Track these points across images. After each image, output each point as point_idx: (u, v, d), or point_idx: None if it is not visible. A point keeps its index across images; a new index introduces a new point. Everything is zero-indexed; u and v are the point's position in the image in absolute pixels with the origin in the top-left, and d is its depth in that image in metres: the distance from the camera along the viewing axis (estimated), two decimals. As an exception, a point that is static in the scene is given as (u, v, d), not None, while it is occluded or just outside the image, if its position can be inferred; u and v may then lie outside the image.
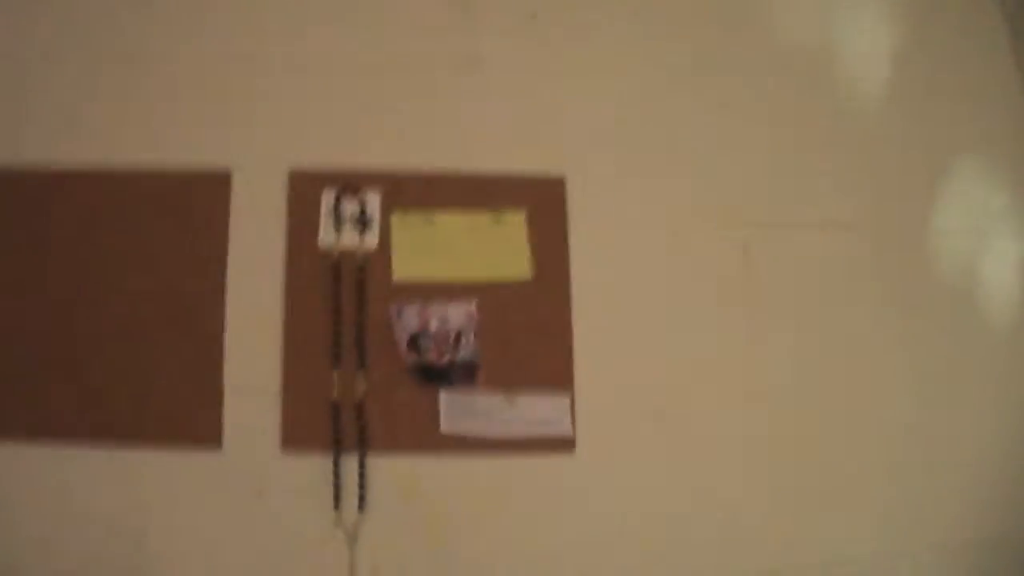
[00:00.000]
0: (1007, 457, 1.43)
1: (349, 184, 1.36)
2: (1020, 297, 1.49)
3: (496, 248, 1.36)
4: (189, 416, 1.32)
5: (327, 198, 1.36)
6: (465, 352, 1.33)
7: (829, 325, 1.42)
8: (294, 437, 1.31)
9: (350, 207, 1.36)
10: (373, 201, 1.36)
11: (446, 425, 1.32)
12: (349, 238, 1.35)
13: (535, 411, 1.33)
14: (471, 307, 1.34)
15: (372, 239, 1.35)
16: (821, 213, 1.45)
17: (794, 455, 1.38)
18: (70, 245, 1.35)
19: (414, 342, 1.33)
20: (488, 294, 1.35)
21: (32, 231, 1.36)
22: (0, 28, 1.41)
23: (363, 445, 1.30)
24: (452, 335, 1.33)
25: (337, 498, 1.29)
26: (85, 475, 1.30)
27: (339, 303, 1.33)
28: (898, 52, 1.55)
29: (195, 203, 1.36)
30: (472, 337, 1.34)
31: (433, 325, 1.33)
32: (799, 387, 1.40)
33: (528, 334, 1.35)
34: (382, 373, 1.32)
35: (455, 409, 1.32)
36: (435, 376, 1.33)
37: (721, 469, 1.37)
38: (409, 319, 1.34)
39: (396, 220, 1.36)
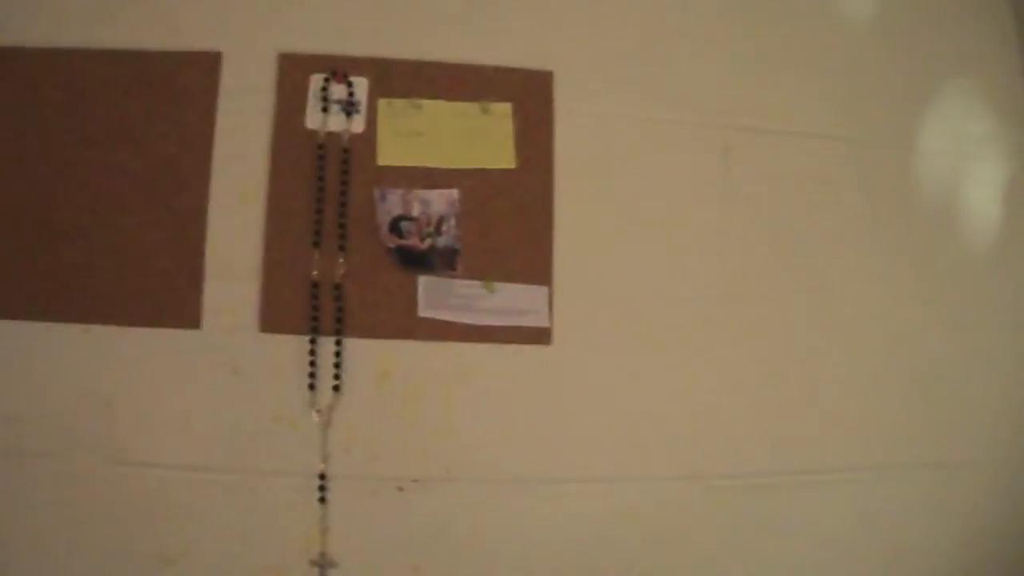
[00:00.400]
0: (981, 376, 1.44)
1: (338, 68, 1.36)
2: (1000, 220, 1.49)
3: (481, 138, 1.36)
4: (169, 295, 1.32)
5: (315, 82, 1.36)
6: (446, 238, 1.34)
7: (806, 232, 1.42)
8: (272, 318, 1.31)
9: (337, 91, 1.36)
10: (361, 86, 1.36)
11: (424, 310, 1.32)
12: (336, 122, 1.35)
13: (513, 300, 1.33)
14: (454, 194, 1.35)
15: (358, 123, 1.35)
16: (805, 123, 1.45)
17: (768, 361, 1.39)
18: (54, 123, 1.35)
19: (396, 226, 1.33)
20: (472, 182, 1.35)
21: (15, 109, 1.36)
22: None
23: (340, 327, 1.31)
24: (434, 220, 1.34)
25: (312, 379, 1.30)
26: (60, 350, 1.31)
27: (323, 185, 1.33)
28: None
29: (184, 83, 1.36)
30: (454, 224, 1.34)
31: (415, 210, 1.34)
32: (773, 291, 1.40)
33: (510, 224, 1.35)
34: (363, 256, 1.33)
35: (434, 294, 1.32)
36: (415, 261, 1.33)
37: (695, 369, 1.38)
38: (392, 203, 1.34)
39: (383, 106, 1.36)
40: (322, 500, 1.29)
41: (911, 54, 1.50)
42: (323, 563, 1.29)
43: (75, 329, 1.31)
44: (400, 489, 1.31)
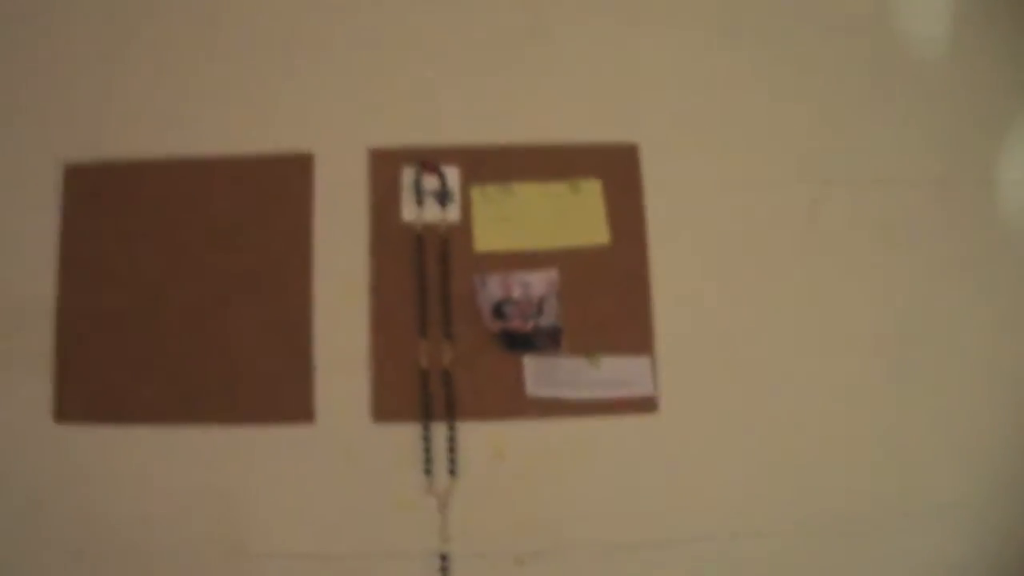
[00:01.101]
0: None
1: (428, 160, 1.40)
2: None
3: (574, 216, 1.39)
4: (281, 393, 1.37)
5: (408, 174, 1.40)
6: (548, 318, 1.36)
7: (897, 277, 1.43)
8: (384, 407, 1.35)
9: (430, 182, 1.39)
10: (452, 175, 1.40)
11: (532, 389, 1.35)
12: (431, 212, 1.39)
13: (618, 372, 1.36)
14: (552, 274, 1.38)
15: (453, 212, 1.39)
16: (887, 170, 1.46)
17: (872, 410, 1.40)
18: (158, 232, 1.41)
19: (498, 310, 1.36)
20: (568, 261, 1.38)
21: (121, 221, 1.41)
22: (81, 28, 1.46)
23: (452, 412, 1.35)
24: (535, 302, 1.37)
25: (428, 464, 1.34)
26: (182, 451, 1.36)
27: (424, 275, 1.37)
28: (955, 4, 1.55)
29: (279, 186, 1.41)
30: (554, 303, 1.37)
31: (516, 292, 1.37)
32: (867, 341, 1.41)
33: (609, 298, 1.38)
34: (468, 341, 1.36)
35: (540, 373, 1.35)
36: (520, 342, 1.36)
37: (799, 424, 1.39)
38: (493, 288, 1.37)
39: (476, 193, 1.39)
40: (444, 579, 1.33)
41: (985, 86, 1.51)
42: (450, 640, 1.32)
43: (194, 431, 1.36)
44: (519, 563, 1.34)
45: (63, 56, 1.46)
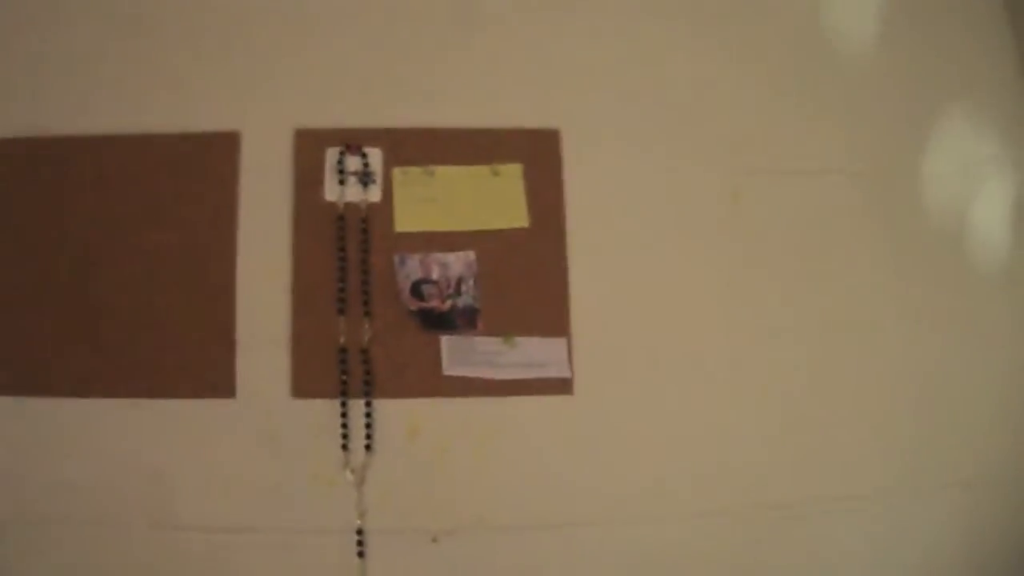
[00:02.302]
0: (998, 397, 1.46)
1: (351, 141, 1.42)
2: (1010, 239, 1.52)
3: (494, 199, 1.41)
4: (204, 368, 1.38)
5: (331, 155, 1.41)
6: (466, 298, 1.38)
7: (819, 268, 1.46)
8: (304, 384, 1.37)
9: (353, 163, 1.41)
10: (375, 157, 1.41)
11: (448, 368, 1.37)
12: (353, 192, 1.41)
13: (534, 354, 1.38)
14: (471, 255, 1.40)
15: (375, 193, 1.41)
16: (811, 160, 1.48)
17: (786, 394, 1.42)
18: (86, 208, 1.42)
19: (416, 289, 1.38)
20: (487, 243, 1.40)
21: (49, 196, 1.42)
22: (10, 4, 1.47)
23: (369, 390, 1.36)
24: (453, 282, 1.39)
25: (346, 440, 1.36)
26: (107, 425, 1.37)
27: (344, 254, 1.39)
28: (888, -1, 1.58)
29: (206, 163, 1.42)
30: (472, 284, 1.39)
31: (435, 273, 1.39)
32: (788, 326, 1.43)
33: (526, 280, 1.40)
34: (386, 320, 1.38)
35: (457, 353, 1.37)
36: (437, 322, 1.38)
37: (715, 407, 1.41)
38: (411, 268, 1.39)
39: (397, 174, 1.41)
40: (360, 555, 1.34)
41: (912, 79, 1.54)
42: (365, 615, 1.34)
43: (119, 404, 1.37)
44: (434, 540, 1.36)
45: (-7, 30, 1.47)
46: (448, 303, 1.38)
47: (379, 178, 1.41)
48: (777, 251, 1.45)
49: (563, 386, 1.38)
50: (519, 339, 1.38)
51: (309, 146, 1.42)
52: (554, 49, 1.48)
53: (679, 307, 1.42)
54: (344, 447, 1.36)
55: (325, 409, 1.37)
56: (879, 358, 1.45)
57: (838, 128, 1.50)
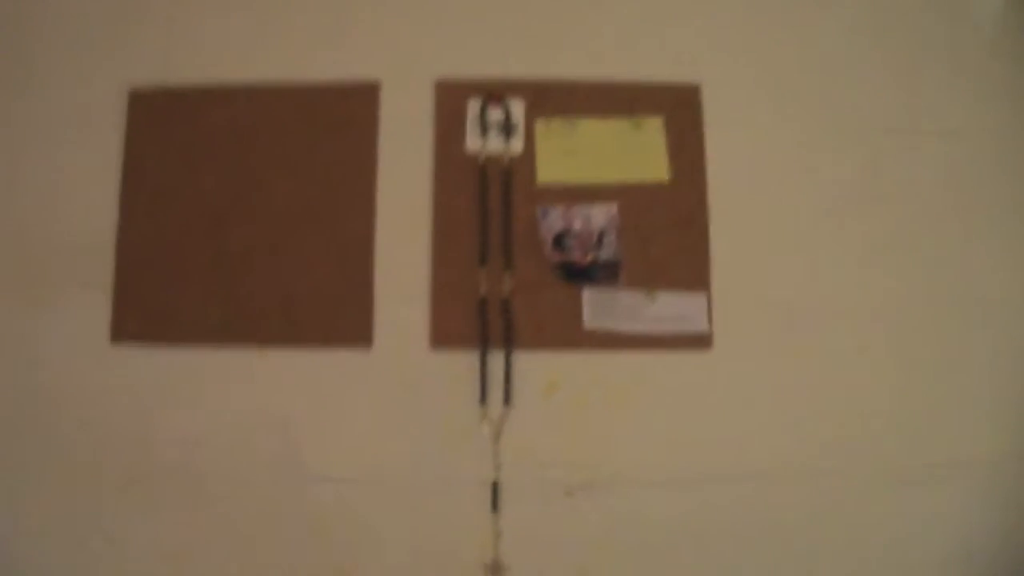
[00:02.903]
0: None
1: (494, 92, 1.41)
2: None
3: (635, 152, 1.41)
4: (341, 318, 1.39)
5: (473, 106, 1.41)
6: (607, 251, 1.38)
7: (951, 228, 1.44)
8: (442, 335, 1.37)
9: (495, 114, 1.41)
10: (517, 108, 1.41)
11: (589, 321, 1.37)
12: (494, 144, 1.41)
13: (674, 308, 1.38)
14: (612, 208, 1.39)
15: (517, 145, 1.41)
16: (945, 120, 1.46)
17: (921, 360, 1.41)
18: (221, 159, 1.43)
19: (558, 242, 1.38)
20: (628, 196, 1.40)
21: (185, 147, 1.43)
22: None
23: (509, 342, 1.36)
24: (595, 235, 1.38)
25: (483, 393, 1.36)
26: (238, 373, 1.39)
27: (486, 206, 1.39)
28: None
29: (345, 114, 1.42)
30: (614, 237, 1.39)
31: (576, 225, 1.39)
32: (928, 293, 1.42)
33: (667, 234, 1.39)
34: (528, 272, 1.38)
35: (597, 306, 1.37)
36: (578, 275, 1.38)
37: (850, 370, 1.40)
38: (553, 220, 1.39)
39: (540, 126, 1.41)
40: (494, 508, 1.35)
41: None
42: (496, 568, 1.34)
43: (251, 353, 1.38)
44: (569, 495, 1.36)
45: (129, -18, 1.48)
46: (590, 256, 1.38)
47: (521, 130, 1.41)
48: (913, 213, 1.43)
49: (702, 341, 1.37)
50: (660, 293, 1.38)
51: (450, 97, 1.42)
52: (695, 5, 1.47)
53: (815, 265, 1.41)
54: (482, 400, 1.36)
55: (463, 361, 1.37)
56: (1012, 325, 1.43)
57: (975, 89, 1.47)
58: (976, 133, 1.46)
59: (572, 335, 1.37)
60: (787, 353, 1.39)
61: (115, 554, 1.37)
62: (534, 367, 1.37)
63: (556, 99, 1.42)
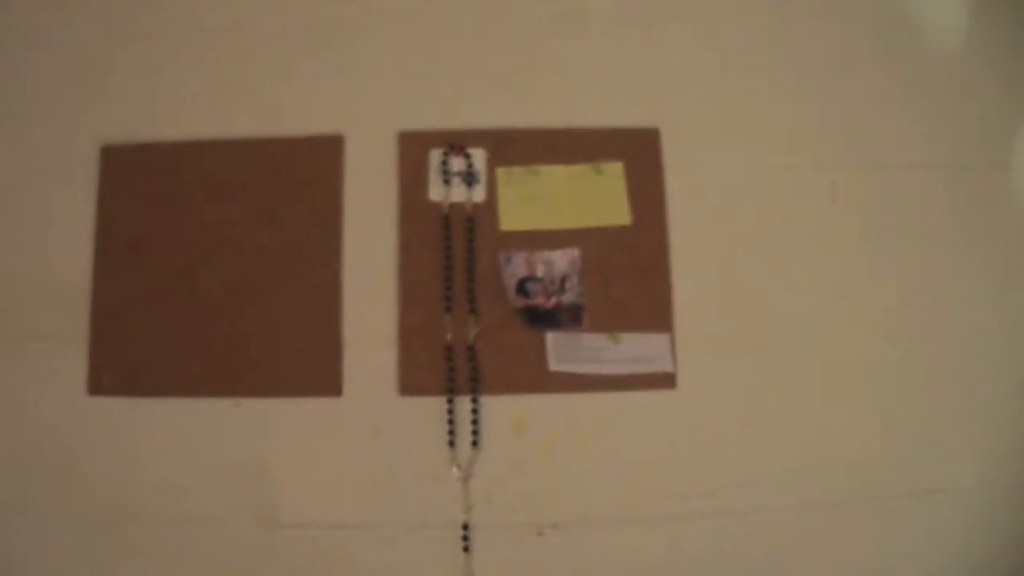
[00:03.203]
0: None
1: (455, 142, 1.44)
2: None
3: (597, 197, 1.43)
4: (310, 367, 1.40)
5: (435, 156, 1.44)
6: (570, 295, 1.40)
7: (915, 261, 1.46)
8: (410, 381, 1.39)
9: (457, 164, 1.44)
10: (479, 157, 1.44)
11: (554, 364, 1.39)
12: (457, 193, 1.43)
13: (637, 349, 1.39)
14: (575, 253, 1.41)
15: (479, 193, 1.43)
16: (904, 154, 1.48)
17: (886, 389, 1.43)
18: (192, 211, 1.44)
19: (522, 287, 1.40)
20: (591, 240, 1.42)
21: (157, 200, 1.45)
22: (119, 13, 1.51)
23: (476, 386, 1.39)
24: (558, 279, 1.40)
25: (452, 436, 1.38)
26: (214, 423, 1.40)
27: (450, 253, 1.41)
28: (980, -1, 1.58)
29: (311, 167, 1.45)
30: (576, 281, 1.41)
31: (539, 270, 1.41)
32: (889, 322, 1.44)
33: (630, 276, 1.41)
34: (492, 318, 1.40)
35: (562, 349, 1.39)
36: (542, 319, 1.40)
37: (818, 401, 1.41)
38: (516, 266, 1.41)
39: (501, 174, 1.44)
40: (466, 549, 1.36)
41: (1005, 74, 1.54)
42: (470, 609, 1.36)
43: (226, 403, 1.41)
44: (540, 534, 1.37)
45: (100, 39, 1.51)
46: (553, 300, 1.40)
47: (483, 178, 1.43)
48: (874, 245, 1.45)
49: (666, 381, 1.39)
50: (623, 335, 1.40)
51: (413, 148, 1.44)
52: (652, 50, 1.50)
53: (779, 303, 1.43)
54: (451, 443, 1.38)
55: (432, 406, 1.39)
56: (977, 354, 1.44)
57: (933, 122, 1.50)
58: (944, 166, 1.49)
59: (537, 378, 1.39)
60: (753, 389, 1.41)
61: (96, 596, 1.39)
62: (501, 410, 1.39)
63: (517, 147, 1.44)
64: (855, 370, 1.43)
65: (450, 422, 1.38)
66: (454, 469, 1.38)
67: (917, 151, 1.49)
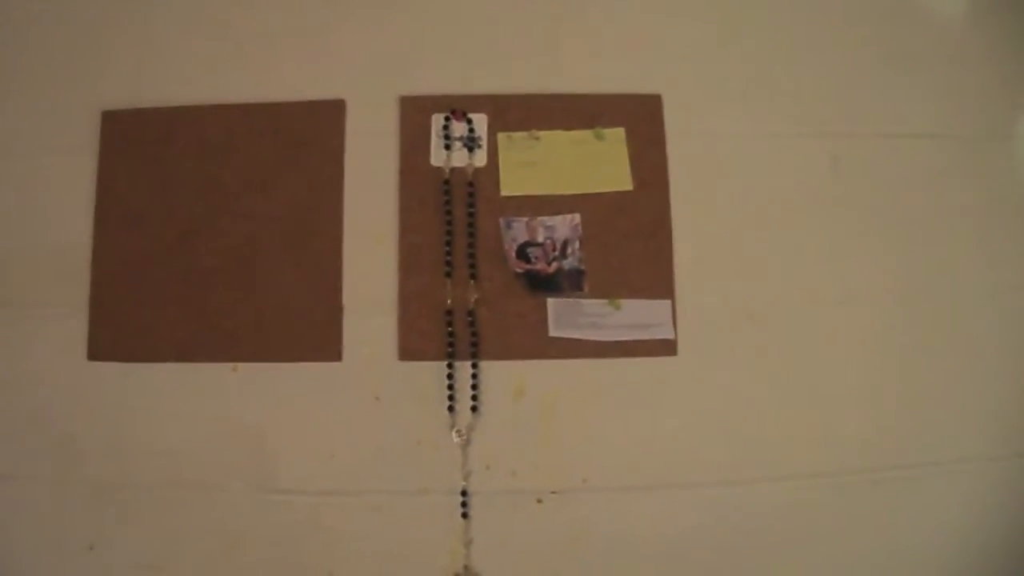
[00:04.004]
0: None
1: (457, 107, 1.44)
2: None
3: (598, 162, 1.43)
4: (310, 331, 1.40)
5: (436, 121, 1.44)
6: (571, 261, 1.40)
7: (915, 231, 1.45)
8: (410, 346, 1.39)
9: (458, 129, 1.43)
10: (480, 122, 1.43)
11: (554, 330, 1.38)
12: (459, 158, 1.43)
13: (638, 315, 1.39)
14: (576, 218, 1.41)
15: (480, 158, 1.43)
16: (907, 124, 1.48)
17: (883, 358, 1.42)
18: (190, 177, 1.44)
19: (522, 252, 1.40)
20: (592, 205, 1.42)
21: (154, 166, 1.45)
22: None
23: (476, 351, 1.38)
24: (559, 245, 1.40)
25: (451, 402, 1.38)
26: (211, 388, 1.40)
27: (451, 218, 1.41)
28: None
29: (312, 131, 1.44)
30: (578, 246, 1.40)
31: (540, 236, 1.40)
32: (887, 291, 1.43)
33: (631, 242, 1.41)
34: (493, 283, 1.40)
35: (562, 315, 1.39)
36: (543, 284, 1.40)
37: (816, 370, 1.41)
38: (518, 231, 1.41)
39: (503, 139, 1.43)
40: (465, 516, 1.36)
41: (1009, 44, 1.52)
42: (467, 576, 1.36)
43: (224, 368, 1.40)
44: (539, 501, 1.37)
45: (99, 3, 1.50)
46: (554, 265, 1.40)
47: (484, 143, 1.43)
48: (875, 215, 1.45)
49: (667, 347, 1.39)
50: (624, 301, 1.39)
51: (414, 113, 1.44)
52: (655, 16, 1.49)
53: (780, 270, 1.43)
54: (450, 409, 1.37)
55: (431, 371, 1.39)
56: (980, 323, 1.44)
57: (933, 93, 1.49)
58: (946, 136, 1.48)
59: (538, 344, 1.38)
60: (753, 357, 1.41)
61: (94, 561, 1.38)
62: (501, 376, 1.39)
63: (518, 112, 1.44)
64: (857, 338, 1.42)
65: (450, 387, 1.37)
66: (453, 435, 1.37)
67: (918, 121, 1.48)
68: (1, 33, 1.51)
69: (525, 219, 1.41)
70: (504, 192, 1.42)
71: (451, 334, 1.38)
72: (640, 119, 1.44)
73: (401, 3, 1.49)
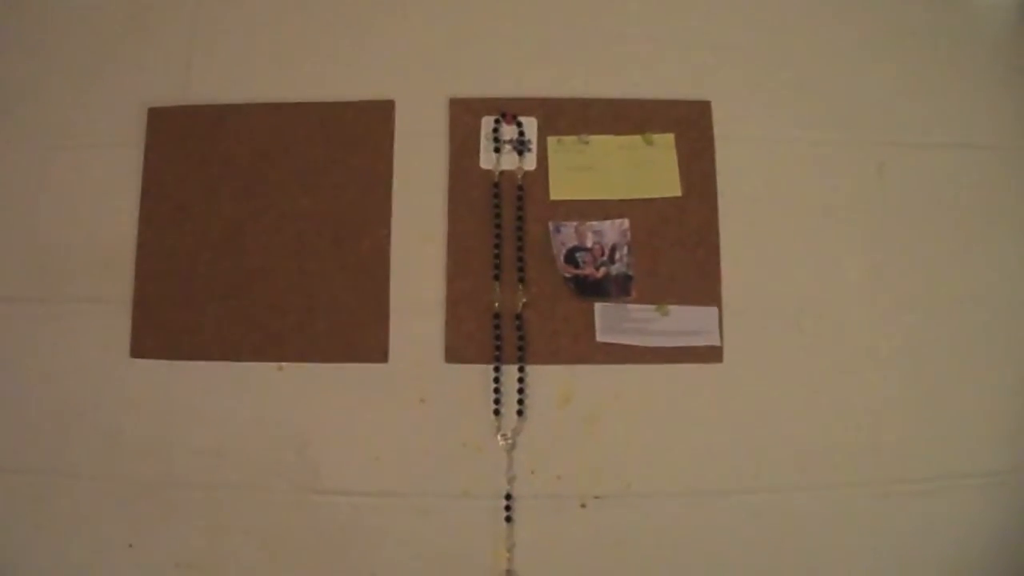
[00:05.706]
0: None
1: (507, 110, 1.44)
2: None
3: (647, 168, 1.43)
4: (357, 332, 1.40)
5: (486, 124, 1.44)
6: (619, 266, 1.40)
7: (961, 241, 1.45)
8: (457, 349, 1.39)
9: (508, 132, 1.43)
10: (530, 126, 1.43)
11: (601, 335, 1.39)
12: (508, 161, 1.43)
13: (685, 322, 1.39)
14: (624, 223, 1.41)
15: (530, 161, 1.43)
16: (954, 134, 1.47)
17: (930, 369, 1.42)
18: (239, 174, 1.45)
19: (571, 257, 1.40)
20: (640, 211, 1.42)
21: (203, 164, 1.45)
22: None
23: (523, 355, 1.38)
24: (607, 250, 1.40)
25: (497, 405, 1.38)
26: (256, 387, 1.41)
27: (500, 221, 1.41)
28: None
29: (361, 131, 1.44)
30: (626, 252, 1.40)
31: (589, 240, 1.40)
32: (932, 301, 1.43)
33: (679, 248, 1.41)
34: (541, 287, 1.40)
35: (610, 320, 1.39)
36: (591, 289, 1.39)
37: (861, 379, 1.41)
38: (566, 235, 1.41)
39: (552, 143, 1.43)
40: (508, 520, 1.36)
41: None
42: (510, 580, 1.36)
43: (269, 367, 1.41)
44: (583, 506, 1.37)
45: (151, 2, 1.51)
46: (602, 270, 1.40)
47: (534, 147, 1.43)
48: (920, 224, 1.44)
49: (713, 354, 1.39)
50: (671, 307, 1.39)
51: (464, 115, 1.44)
52: (705, 23, 1.49)
53: (826, 278, 1.42)
54: (496, 412, 1.37)
55: (477, 374, 1.39)
56: (1020, 336, 1.44)
57: (984, 103, 1.49)
58: (989, 146, 1.47)
59: (584, 349, 1.38)
60: (798, 365, 1.40)
61: (133, 559, 1.39)
62: (547, 380, 1.39)
63: (568, 116, 1.44)
64: (901, 349, 1.42)
65: (496, 391, 1.38)
66: (499, 438, 1.37)
67: (967, 132, 1.48)
68: (50, 29, 1.52)
69: (574, 223, 1.41)
70: (553, 196, 1.42)
71: (498, 337, 1.38)
72: (689, 125, 1.44)
73: (453, 5, 1.49)
